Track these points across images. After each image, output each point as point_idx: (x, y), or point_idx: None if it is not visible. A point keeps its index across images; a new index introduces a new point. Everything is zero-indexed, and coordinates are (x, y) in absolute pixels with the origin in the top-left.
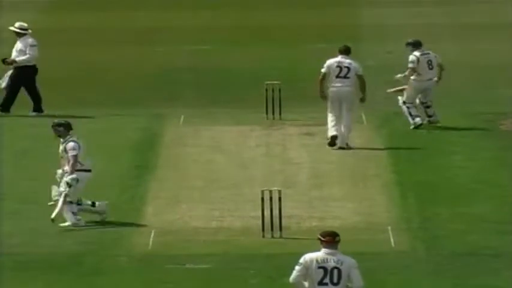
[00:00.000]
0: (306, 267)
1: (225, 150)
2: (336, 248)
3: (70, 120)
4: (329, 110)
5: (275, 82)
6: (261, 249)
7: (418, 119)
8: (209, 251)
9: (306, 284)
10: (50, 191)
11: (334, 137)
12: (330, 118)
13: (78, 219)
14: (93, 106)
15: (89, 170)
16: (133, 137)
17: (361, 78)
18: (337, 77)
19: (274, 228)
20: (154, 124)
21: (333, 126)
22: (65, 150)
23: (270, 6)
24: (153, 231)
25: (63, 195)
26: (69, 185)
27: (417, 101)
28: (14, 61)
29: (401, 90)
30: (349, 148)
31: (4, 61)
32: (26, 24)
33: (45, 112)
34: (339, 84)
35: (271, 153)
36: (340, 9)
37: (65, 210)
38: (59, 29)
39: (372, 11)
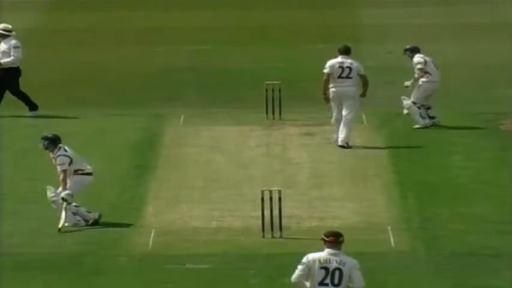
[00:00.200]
0: (309, 267)
1: (225, 150)
2: (339, 249)
3: (71, 120)
4: (332, 111)
5: (275, 82)
6: (261, 249)
7: (428, 121)
8: (209, 251)
9: (308, 283)
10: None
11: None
12: (333, 119)
13: (78, 220)
14: (93, 106)
15: (89, 173)
16: (133, 137)
17: (363, 78)
18: (340, 77)
19: (274, 228)
20: (154, 124)
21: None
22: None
23: (270, 6)
24: (153, 231)
25: (63, 208)
26: (65, 200)
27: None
28: None
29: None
30: (349, 147)
31: None
32: (10, 26)
33: (45, 112)
34: (342, 85)
35: (271, 153)
36: (340, 9)
37: (69, 212)
38: (59, 29)
39: (372, 11)
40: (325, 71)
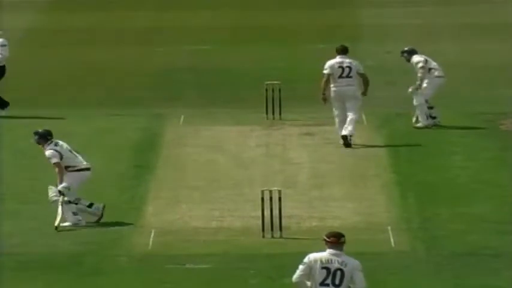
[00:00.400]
0: (310, 267)
1: (225, 150)
2: (341, 249)
3: (71, 120)
4: (336, 112)
5: (275, 82)
6: (261, 249)
7: (430, 121)
8: (209, 251)
9: (309, 283)
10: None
11: (345, 137)
12: (338, 120)
13: (79, 220)
14: (93, 106)
15: (85, 169)
16: (133, 137)
17: (363, 76)
18: (340, 77)
19: (274, 228)
20: (154, 124)
21: (341, 126)
22: None
23: (270, 6)
24: (153, 231)
25: (59, 203)
26: (61, 193)
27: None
28: None
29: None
30: (350, 144)
31: None
32: None
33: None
34: (342, 84)
35: (271, 153)
36: (340, 9)
37: (65, 210)
38: (59, 29)
39: (372, 11)
40: (325, 72)
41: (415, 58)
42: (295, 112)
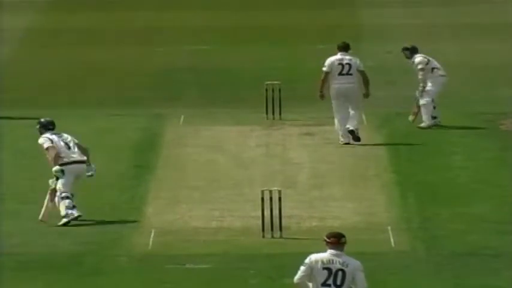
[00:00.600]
0: (311, 268)
1: (225, 150)
2: (341, 250)
3: (71, 120)
4: (335, 109)
5: (275, 82)
6: (261, 249)
7: (432, 121)
8: (209, 251)
9: (310, 284)
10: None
11: (351, 131)
12: (338, 118)
13: (71, 210)
14: (93, 106)
15: (77, 162)
16: (133, 137)
17: (363, 74)
18: (340, 74)
19: (274, 228)
20: (154, 124)
21: (343, 131)
22: None
23: (270, 6)
24: (153, 231)
25: (48, 192)
26: (56, 177)
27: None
28: None
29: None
30: (358, 138)
31: None
32: None
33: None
34: (342, 82)
35: (271, 153)
36: (340, 9)
37: (60, 203)
38: (59, 29)
39: (372, 11)
40: (324, 69)
41: (417, 59)
42: (295, 112)
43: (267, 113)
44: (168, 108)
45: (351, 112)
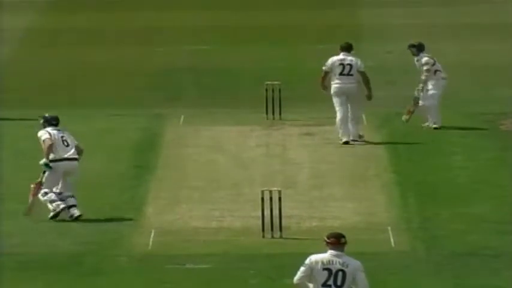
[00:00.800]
0: (311, 268)
1: (225, 150)
2: (341, 250)
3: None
4: (337, 108)
5: (275, 82)
6: (261, 249)
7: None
8: (209, 251)
9: (310, 285)
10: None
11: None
12: (339, 117)
13: (57, 204)
14: (93, 106)
15: (68, 159)
16: (133, 137)
17: (363, 75)
18: (341, 74)
19: (274, 228)
20: (154, 124)
21: (343, 129)
22: None
23: (270, 6)
24: (153, 231)
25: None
26: (43, 170)
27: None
28: None
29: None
30: (362, 137)
31: None
32: None
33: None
34: (343, 82)
35: (271, 153)
36: (340, 9)
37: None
38: (59, 29)
39: (372, 11)
40: (324, 68)
41: (425, 58)
42: (295, 112)
43: (267, 113)
44: (168, 108)
45: (350, 116)
